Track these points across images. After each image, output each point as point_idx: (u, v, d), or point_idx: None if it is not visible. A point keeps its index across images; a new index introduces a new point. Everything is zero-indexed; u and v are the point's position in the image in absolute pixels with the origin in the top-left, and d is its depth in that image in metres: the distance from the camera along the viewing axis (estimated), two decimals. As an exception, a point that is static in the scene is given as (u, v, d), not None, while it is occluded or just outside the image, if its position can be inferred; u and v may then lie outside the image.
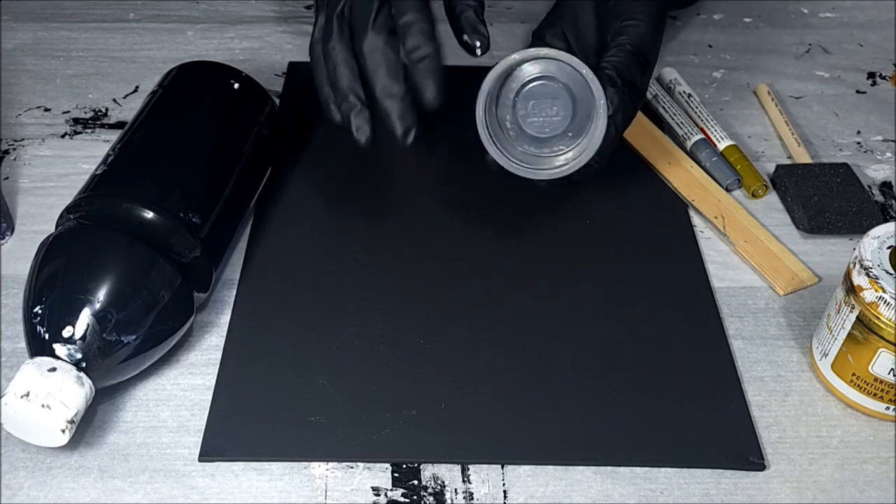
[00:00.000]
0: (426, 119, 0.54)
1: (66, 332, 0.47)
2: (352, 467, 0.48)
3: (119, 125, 0.68)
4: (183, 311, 0.51)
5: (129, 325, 0.48)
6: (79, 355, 0.46)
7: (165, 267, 0.50)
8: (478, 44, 0.54)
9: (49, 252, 0.50)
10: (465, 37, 0.54)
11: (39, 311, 0.47)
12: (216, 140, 0.57)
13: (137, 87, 0.71)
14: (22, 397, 0.45)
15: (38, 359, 0.46)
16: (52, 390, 0.45)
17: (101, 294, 0.47)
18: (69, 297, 0.47)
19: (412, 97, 0.53)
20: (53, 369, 0.46)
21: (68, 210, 0.52)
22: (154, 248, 0.50)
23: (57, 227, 0.52)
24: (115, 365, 0.48)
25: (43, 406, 0.45)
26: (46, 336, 0.47)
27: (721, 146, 0.67)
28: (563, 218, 0.62)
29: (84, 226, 0.51)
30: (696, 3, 0.80)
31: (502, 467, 0.49)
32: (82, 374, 0.46)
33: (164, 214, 0.51)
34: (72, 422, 0.45)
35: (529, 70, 0.55)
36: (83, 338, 0.47)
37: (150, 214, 0.50)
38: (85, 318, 0.47)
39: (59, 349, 0.46)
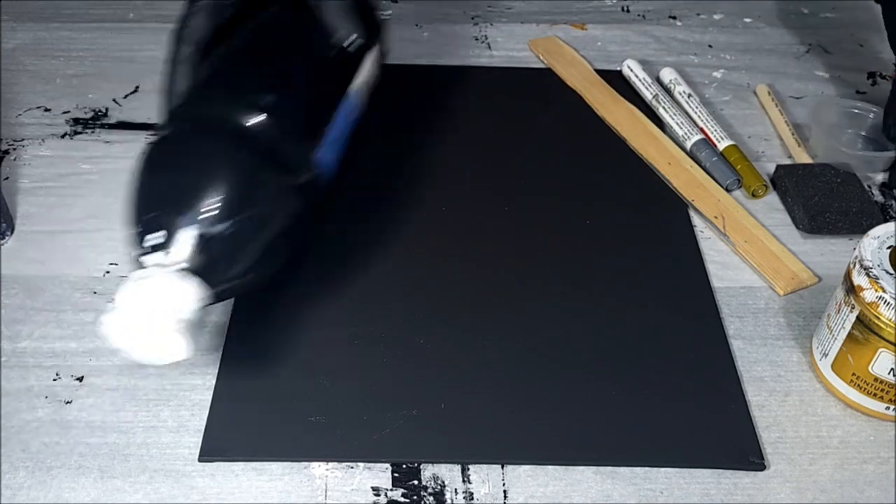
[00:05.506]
0: None
1: (162, 238, 0.46)
2: (352, 467, 0.48)
3: (119, 125, 0.68)
4: (282, 203, 0.50)
5: (232, 224, 0.47)
6: (184, 261, 0.46)
7: (267, 174, 0.49)
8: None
9: (153, 155, 0.49)
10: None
11: (144, 218, 0.47)
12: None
13: (138, 87, 0.71)
14: (129, 312, 0.43)
15: (142, 268, 0.45)
16: (161, 298, 0.44)
17: (205, 199, 0.47)
18: (173, 204, 0.47)
19: None
20: (156, 276, 0.44)
21: (172, 114, 0.52)
22: (259, 155, 0.49)
23: (161, 130, 0.51)
24: (222, 266, 0.47)
25: (155, 316, 0.44)
26: (150, 244, 0.46)
27: (721, 146, 0.67)
28: (564, 218, 0.62)
29: (187, 130, 0.50)
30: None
31: (502, 467, 0.49)
32: (190, 276, 0.45)
33: (274, 119, 0.50)
34: (186, 324, 0.44)
35: None
36: (187, 243, 0.46)
37: (261, 118, 0.50)
38: (189, 223, 0.46)
39: (160, 257, 0.46)
